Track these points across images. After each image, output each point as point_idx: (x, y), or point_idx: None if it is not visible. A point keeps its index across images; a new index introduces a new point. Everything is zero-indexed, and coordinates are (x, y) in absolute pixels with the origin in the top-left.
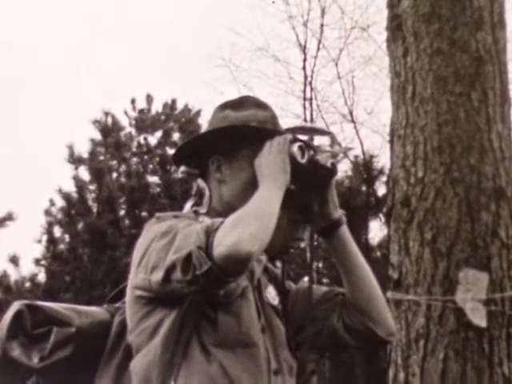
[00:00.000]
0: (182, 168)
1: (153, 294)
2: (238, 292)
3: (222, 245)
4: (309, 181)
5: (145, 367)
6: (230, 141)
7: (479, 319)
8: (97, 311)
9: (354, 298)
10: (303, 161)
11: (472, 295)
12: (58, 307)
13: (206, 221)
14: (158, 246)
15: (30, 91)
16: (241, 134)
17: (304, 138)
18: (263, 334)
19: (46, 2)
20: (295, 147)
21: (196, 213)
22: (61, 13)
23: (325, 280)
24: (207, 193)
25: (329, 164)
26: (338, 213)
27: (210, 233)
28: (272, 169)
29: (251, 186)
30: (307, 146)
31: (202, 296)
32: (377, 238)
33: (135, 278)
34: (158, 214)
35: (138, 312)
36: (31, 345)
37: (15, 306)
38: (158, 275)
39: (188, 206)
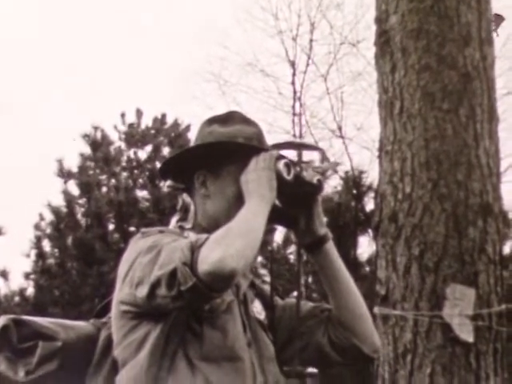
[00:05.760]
0: (168, 182)
1: (138, 308)
2: (223, 307)
3: (206, 261)
4: (295, 197)
5: (131, 381)
6: (216, 156)
7: (466, 334)
8: (83, 326)
9: (339, 314)
10: (289, 177)
11: (459, 310)
12: (43, 321)
13: (191, 236)
14: (143, 261)
15: (19, 105)
16: (226, 149)
17: (292, 153)
18: (249, 348)
19: (38, 16)
20: (281, 164)
21: (181, 228)
22: (51, 26)
23: (314, 295)
24: (192, 208)
25: (315, 180)
26: (324, 229)
27: (194, 249)
28: (258, 185)
29: (236, 201)
30: (293, 163)
31: (187, 311)
32: (366, 254)
33: (120, 293)
34: (143, 230)
35: (124, 326)
36: (17, 359)
37: (1, 320)
38: (143, 291)
39: (173, 220)
